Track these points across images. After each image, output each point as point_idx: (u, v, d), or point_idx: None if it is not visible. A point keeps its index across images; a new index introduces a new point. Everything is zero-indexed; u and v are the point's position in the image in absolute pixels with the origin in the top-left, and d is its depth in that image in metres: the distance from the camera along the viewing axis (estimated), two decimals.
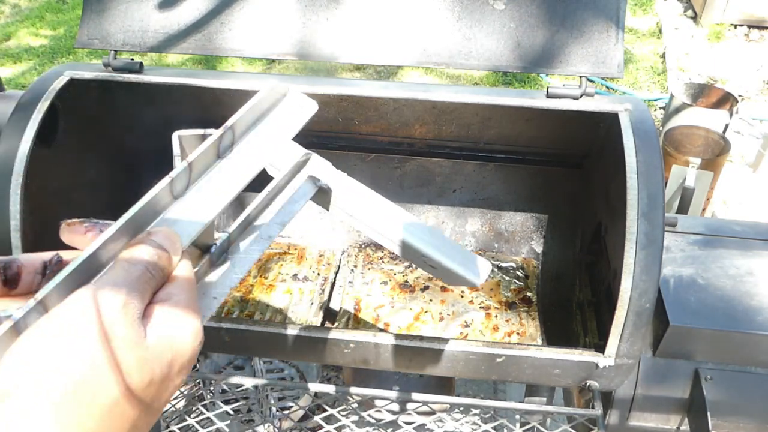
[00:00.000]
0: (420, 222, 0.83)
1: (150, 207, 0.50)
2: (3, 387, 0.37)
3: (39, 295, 0.41)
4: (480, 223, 1.70)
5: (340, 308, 1.52)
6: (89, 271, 0.44)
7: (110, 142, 1.52)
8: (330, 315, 1.52)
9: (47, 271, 0.49)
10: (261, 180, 0.66)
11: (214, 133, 0.56)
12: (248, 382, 1.32)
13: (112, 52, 1.33)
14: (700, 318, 1.27)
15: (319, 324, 1.48)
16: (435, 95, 1.30)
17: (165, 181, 0.51)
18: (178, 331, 0.45)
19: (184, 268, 0.49)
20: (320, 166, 0.72)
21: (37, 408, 0.36)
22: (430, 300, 1.54)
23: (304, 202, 0.69)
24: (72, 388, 0.37)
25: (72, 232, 0.50)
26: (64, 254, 0.50)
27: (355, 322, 1.49)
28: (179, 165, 0.53)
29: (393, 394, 1.28)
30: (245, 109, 0.60)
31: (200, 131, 0.59)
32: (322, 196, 0.73)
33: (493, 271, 1.63)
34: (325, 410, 1.34)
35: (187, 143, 0.60)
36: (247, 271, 0.61)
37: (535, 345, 1.28)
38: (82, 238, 0.50)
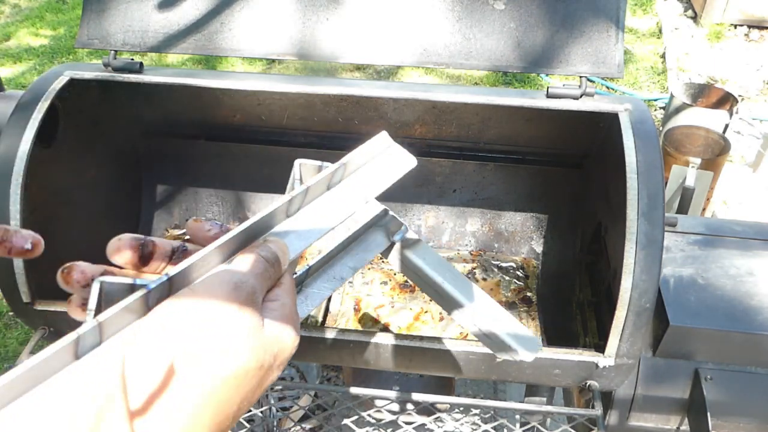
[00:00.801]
0: (482, 292, 0.84)
1: (266, 220, 0.56)
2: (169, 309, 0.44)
3: (171, 272, 0.47)
4: (480, 223, 1.70)
5: (340, 308, 1.52)
6: (211, 262, 0.50)
7: (110, 142, 1.52)
8: (330, 315, 1.52)
9: (173, 257, 0.56)
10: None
11: (331, 167, 0.63)
12: None
13: (112, 52, 1.33)
14: (700, 318, 1.27)
15: (319, 324, 1.48)
16: (435, 95, 1.30)
17: (285, 199, 0.57)
18: (284, 329, 0.49)
19: (289, 278, 0.55)
20: (395, 222, 0.77)
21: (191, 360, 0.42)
22: (430, 300, 1.54)
23: (377, 251, 0.74)
24: (208, 351, 0.42)
25: (197, 228, 0.57)
26: (189, 245, 0.57)
27: (355, 322, 1.49)
28: (298, 188, 0.59)
29: (393, 394, 1.28)
30: (358, 152, 0.67)
31: (318, 162, 0.64)
32: (391, 250, 0.79)
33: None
34: (325, 410, 1.34)
35: (305, 171, 0.65)
36: (317, 306, 0.67)
37: None
38: (205, 235, 0.56)
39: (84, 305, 0.52)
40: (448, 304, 0.82)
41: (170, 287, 0.47)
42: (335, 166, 0.63)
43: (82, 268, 0.52)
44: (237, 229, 0.53)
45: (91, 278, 0.52)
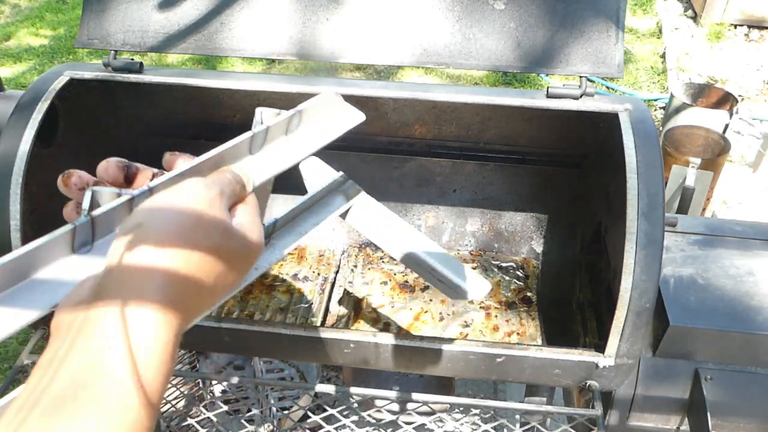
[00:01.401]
0: (430, 240, 0.95)
1: (231, 152, 0.63)
2: (138, 220, 0.48)
3: (151, 184, 0.56)
4: (480, 223, 1.70)
5: (340, 308, 1.52)
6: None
7: (110, 142, 1.52)
8: (330, 315, 1.52)
9: (153, 179, 0.62)
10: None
11: (288, 113, 0.70)
12: (248, 382, 1.32)
13: (112, 52, 1.33)
14: (700, 318, 1.27)
15: (319, 324, 1.48)
16: (435, 95, 1.30)
17: (247, 135, 0.65)
18: (249, 231, 0.56)
19: (253, 198, 0.61)
20: (354, 188, 0.87)
21: (162, 236, 0.48)
22: (430, 300, 1.54)
23: (337, 212, 0.83)
24: (184, 230, 0.49)
25: (173, 161, 0.64)
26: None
27: (355, 322, 1.49)
28: (260, 127, 0.67)
29: (393, 394, 1.28)
30: (313, 102, 0.74)
31: (277, 110, 0.73)
32: (349, 210, 0.88)
33: (493, 271, 1.63)
34: (325, 410, 1.34)
35: (266, 116, 0.73)
36: (283, 257, 0.75)
37: (535, 345, 1.28)
38: (179, 161, 0.64)
39: (78, 211, 0.60)
40: (404, 256, 0.93)
41: (151, 196, 0.55)
42: (291, 112, 0.70)
43: (79, 174, 0.61)
44: (206, 155, 0.60)
45: (86, 184, 0.61)
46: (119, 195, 0.56)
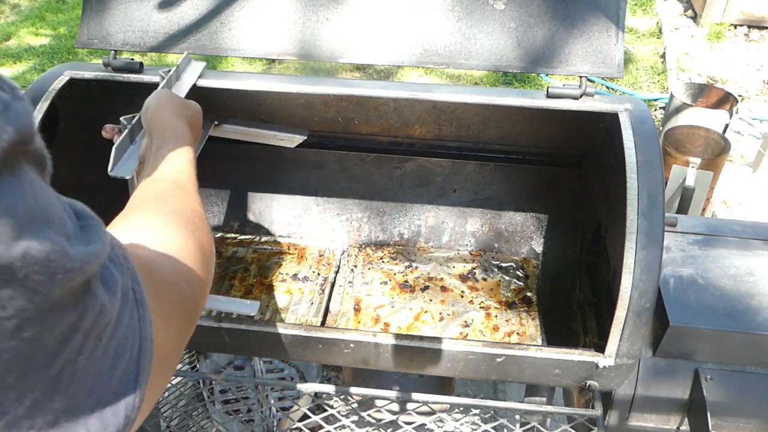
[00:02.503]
0: None
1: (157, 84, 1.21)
2: (149, 102, 0.98)
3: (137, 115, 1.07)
4: (480, 223, 1.70)
5: (340, 308, 1.52)
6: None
7: (110, 142, 1.52)
8: (330, 315, 1.52)
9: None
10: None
11: (173, 70, 1.25)
12: (248, 382, 1.32)
13: (112, 51, 1.33)
14: (700, 318, 1.27)
15: (319, 324, 1.48)
16: (435, 95, 1.30)
17: (168, 73, 1.23)
18: (193, 104, 1.04)
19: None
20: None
21: (164, 109, 0.95)
22: (430, 300, 1.54)
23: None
24: (167, 105, 0.96)
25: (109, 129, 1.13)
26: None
27: (355, 322, 1.49)
28: (170, 74, 1.24)
29: (393, 394, 1.28)
30: (182, 62, 1.29)
31: (167, 69, 1.25)
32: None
33: (493, 271, 1.63)
34: (325, 410, 1.34)
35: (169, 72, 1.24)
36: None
37: (535, 345, 1.28)
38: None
39: (119, 131, 1.09)
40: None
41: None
42: (173, 69, 1.25)
43: (109, 125, 1.11)
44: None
45: (111, 128, 1.11)
46: (132, 117, 1.09)
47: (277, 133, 1.46)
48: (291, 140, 1.47)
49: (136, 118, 1.08)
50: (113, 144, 1.05)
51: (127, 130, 1.07)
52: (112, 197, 1.04)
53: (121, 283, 0.41)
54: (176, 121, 0.92)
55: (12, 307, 0.29)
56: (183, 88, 1.24)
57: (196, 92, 1.40)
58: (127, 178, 1.03)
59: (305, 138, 1.48)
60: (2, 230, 0.28)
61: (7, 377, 0.31)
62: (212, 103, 1.53)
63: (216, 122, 1.41)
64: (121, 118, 1.09)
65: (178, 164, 0.81)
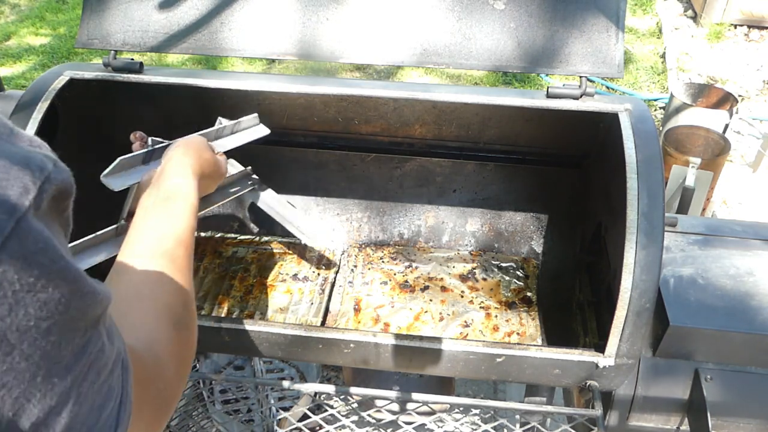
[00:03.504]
0: (292, 208, 1.48)
1: (206, 135, 1.16)
2: (178, 143, 0.99)
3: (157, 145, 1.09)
4: (480, 223, 1.70)
5: (340, 308, 1.52)
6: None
7: (110, 142, 1.52)
8: (330, 315, 1.52)
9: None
10: None
11: (233, 122, 1.27)
12: (248, 382, 1.32)
13: (112, 52, 1.33)
14: (700, 318, 1.27)
15: (319, 324, 1.48)
16: (435, 95, 1.30)
17: (216, 126, 1.23)
18: (221, 158, 1.09)
19: (223, 156, 1.12)
20: (260, 182, 1.45)
21: (187, 161, 0.94)
22: (430, 300, 1.54)
23: (243, 190, 1.38)
24: (197, 149, 0.99)
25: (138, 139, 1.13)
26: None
27: (355, 322, 1.49)
28: (220, 125, 1.24)
29: (393, 394, 1.28)
30: (246, 118, 1.31)
31: (227, 121, 1.26)
32: (252, 192, 1.44)
33: (493, 271, 1.63)
34: (325, 410, 1.34)
35: (223, 121, 1.26)
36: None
37: (535, 345, 1.28)
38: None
39: (142, 145, 1.10)
40: (287, 225, 1.48)
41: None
42: (234, 122, 1.26)
43: (141, 134, 1.12)
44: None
45: (142, 136, 1.12)
46: (161, 143, 1.09)
47: (300, 225, 1.47)
48: (313, 239, 1.49)
49: (162, 145, 1.07)
50: (128, 151, 1.07)
51: (145, 151, 1.05)
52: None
53: (117, 340, 0.45)
54: (192, 177, 0.92)
55: (49, 310, 0.35)
56: (228, 144, 1.22)
57: (196, 92, 1.40)
58: (114, 190, 1.00)
59: (328, 241, 1.62)
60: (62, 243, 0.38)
61: (36, 376, 0.36)
62: (212, 104, 1.54)
63: (255, 187, 1.41)
64: (150, 138, 1.09)
65: (179, 231, 0.79)
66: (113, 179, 1.00)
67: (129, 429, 0.47)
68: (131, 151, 1.05)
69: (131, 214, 1.00)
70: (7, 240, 0.32)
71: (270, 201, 1.44)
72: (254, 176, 1.40)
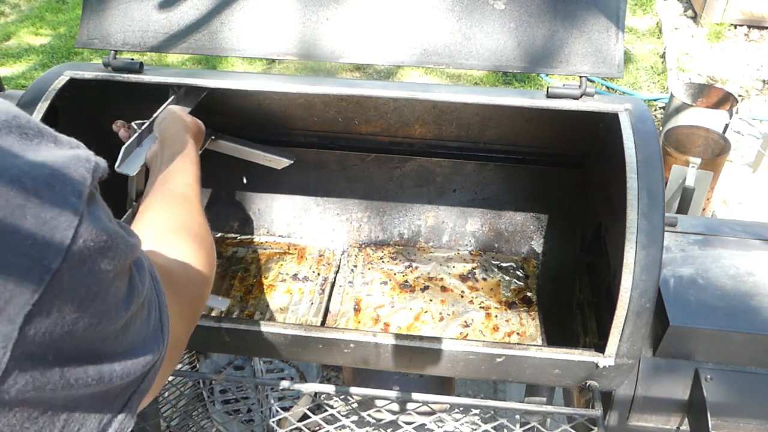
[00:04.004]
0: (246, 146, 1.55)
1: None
2: (164, 115, 1.18)
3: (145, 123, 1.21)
4: (480, 223, 1.70)
5: (340, 308, 1.52)
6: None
7: (110, 142, 1.52)
8: (330, 315, 1.52)
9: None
10: None
11: (182, 88, 1.36)
12: (248, 382, 1.32)
13: (112, 51, 1.33)
14: (700, 318, 1.27)
15: (319, 324, 1.48)
16: (435, 95, 1.30)
17: (179, 90, 1.35)
18: (195, 120, 1.21)
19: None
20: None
21: (178, 124, 1.14)
22: (430, 300, 1.54)
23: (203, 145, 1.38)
24: (180, 120, 1.15)
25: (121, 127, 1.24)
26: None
27: (355, 322, 1.49)
28: (181, 91, 1.35)
29: (393, 394, 1.28)
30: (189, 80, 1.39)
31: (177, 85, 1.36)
32: (214, 143, 1.51)
33: (493, 271, 1.63)
34: (325, 410, 1.34)
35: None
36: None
37: (535, 345, 1.28)
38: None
39: (129, 134, 1.20)
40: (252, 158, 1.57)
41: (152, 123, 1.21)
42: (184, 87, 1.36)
43: (121, 122, 1.23)
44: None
45: (124, 123, 1.23)
46: (143, 123, 1.20)
47: (266, 154, 1.55)
48: (279, 162, 1.57)
49: (146, 124, 1.19)
50: (123, 141, 1.19)
51: (137, 134, 1.17)
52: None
53: (147, 266, 0.55)
54: (187, 138, 1.08)
55: (112, 266, 0.46)
56: (189, 104, 1.33)
57: (196, 93, 1.41)
58: (132, 175, 1.15)
59: (292, 162, 1.57)
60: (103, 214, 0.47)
61: (115, 307, 0.47)
62: (212, 104, 1.54)
63: (213, 137, 1.50)
64: (133, 123, 1.20)
65: (187, 179, 0.96)
66: (126, 166, 1.14)
67: (174, 327, 0.58)
68: (122, 143, 1.17)
69: (139, 194, 1.21)
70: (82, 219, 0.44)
71: (230, 145, 1.52)
72: (208, 129, 1.51)
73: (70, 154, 0.47)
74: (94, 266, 0.45)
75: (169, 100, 1.31)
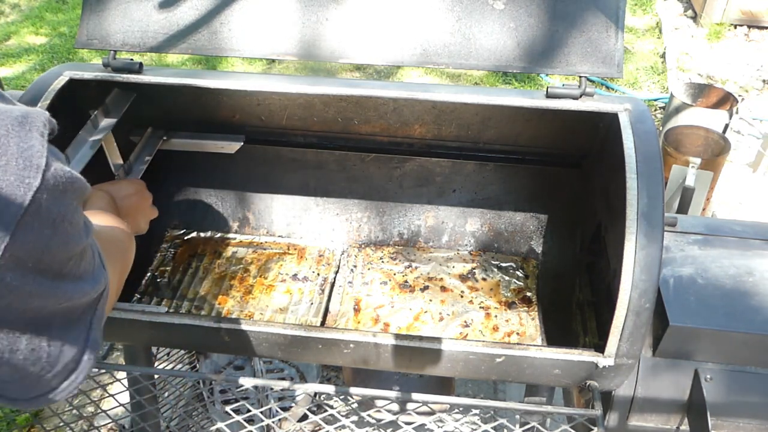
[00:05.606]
0: None
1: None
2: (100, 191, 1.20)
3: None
4: (480, 223, 1.70)
5: (340, 308, 1.52)
6: None
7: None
8: (330, 315, 1.52)
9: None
10: None
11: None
12: (248, 382, 1.32)
13: (112, 52, 1.33)
14: (700, 318, 1.27)
15: (318, 324, 1.48)
16: (435, 95, 1.30)
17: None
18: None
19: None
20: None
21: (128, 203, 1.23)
22: (430, 300, 1.54)
23: (152, 149, 1.50)
24: (120, 193, 1.23)
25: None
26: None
27: (355, 322, 1.49)
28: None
29: (393, 394, 1.28)
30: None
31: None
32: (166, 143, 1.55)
33: (493, 271, 1.63)
34: (325, 410, 1.34)
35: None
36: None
37: (535, 345, 1.28)
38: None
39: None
40: (205, 149, 1.59)
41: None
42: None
43: None
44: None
45: None
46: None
47: (216, 142, 1.56)
48: (230, 146, 1.57)
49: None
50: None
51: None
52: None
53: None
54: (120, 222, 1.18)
55: (75, 198, 0.56)
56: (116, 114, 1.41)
57: (196, 92, 1.40)
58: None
59: (242, 143, 1.57)
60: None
61: (78, 233, 0.58)
62: (212, 104, 1.54)
63: (164, 138, 1.52)
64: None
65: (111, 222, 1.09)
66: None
67: (109, 271, 0.69)
68: (130, 151, 1.20)
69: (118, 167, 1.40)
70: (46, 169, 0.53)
71: (181, 141, 1.56)
72: (157, 131, 1.54)
73: (29, 107, 0.56)
74: (63, 194, 0.54)
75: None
